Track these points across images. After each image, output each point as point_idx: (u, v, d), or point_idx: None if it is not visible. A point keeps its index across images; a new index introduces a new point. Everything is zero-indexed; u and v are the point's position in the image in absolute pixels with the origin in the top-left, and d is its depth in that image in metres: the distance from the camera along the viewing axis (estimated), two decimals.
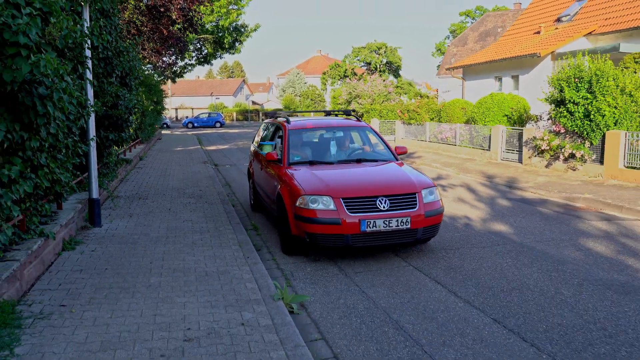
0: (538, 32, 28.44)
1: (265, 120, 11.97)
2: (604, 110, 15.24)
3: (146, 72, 23.85)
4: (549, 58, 24.48)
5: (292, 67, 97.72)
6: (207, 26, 36.86)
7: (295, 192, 7.49)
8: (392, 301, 6.08)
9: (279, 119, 10.60)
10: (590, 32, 24.10)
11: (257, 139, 11.81)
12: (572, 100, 15.98)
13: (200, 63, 40.95)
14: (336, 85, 49.57)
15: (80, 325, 4.94)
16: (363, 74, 47.20)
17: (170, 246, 7.83)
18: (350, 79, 44.67)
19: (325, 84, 55.09)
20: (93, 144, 8.61)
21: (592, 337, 5.01)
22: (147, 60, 23.45)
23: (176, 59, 32.53)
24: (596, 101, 15.39)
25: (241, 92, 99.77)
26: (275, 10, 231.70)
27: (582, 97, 15.78)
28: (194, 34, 25.96)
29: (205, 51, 40.50)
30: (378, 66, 48.39)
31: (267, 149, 9.64)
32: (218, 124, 61.03)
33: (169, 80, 40.27)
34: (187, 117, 74.78)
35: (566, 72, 16.61)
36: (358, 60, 49.34)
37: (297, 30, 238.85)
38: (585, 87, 15.82)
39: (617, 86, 15.54)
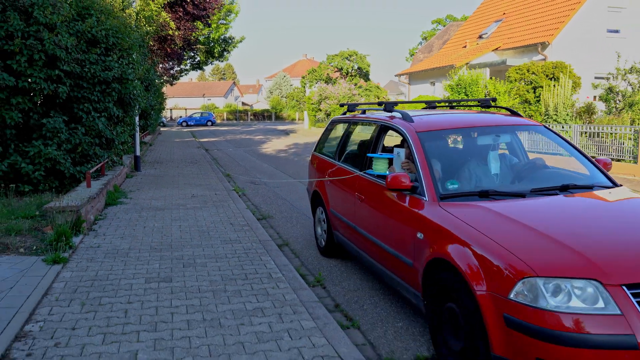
0: (465, 47, 35.56)
1: (341, 117, 7.94)
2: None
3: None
4: (465, 68, 31.55)
5: (280, 70, 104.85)
6: (200, 38, 43.80)
7: (503, 269, 3.65)
8: None
9: (367, 113, 7.13)
10: (497, 48, 31.17)
11: (331, 145, 7.92)
12: None
13: (193, 69, 47.83)
14: (314, 88, 56.50)
15: (148, 192, 11.98)
16: (337, 78, 54.28)
17: (181, 178, 14.84)
18: (325, 82, 51.83)
19: (304, 87, 62.49)
20: (137, 124, 15.59)
21: None
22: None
23: (173, 65, 39.44)
24: None
25: (231, 93, 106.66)
26: (266, 17, 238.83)
27: (462, 98, 22.89)
28: (190, 52, 32.99)
29: (198, 59, 47.30)
30: (349, 71, 55.40)
31: (382, 166, 5.75)
32: (210, 123, 67.78)
33: (167, 84, 47.21)
34: (181, 116, 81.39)
35: (453, 80, 23.74)
36: (332, 66, 56.32)
37: (286, 36, 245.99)
38: (463, 91, 22.93)
39: (485, 91, 22.69)
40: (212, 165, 18.25)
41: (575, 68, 24.43)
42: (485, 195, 4.67)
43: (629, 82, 22.20)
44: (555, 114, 19.80)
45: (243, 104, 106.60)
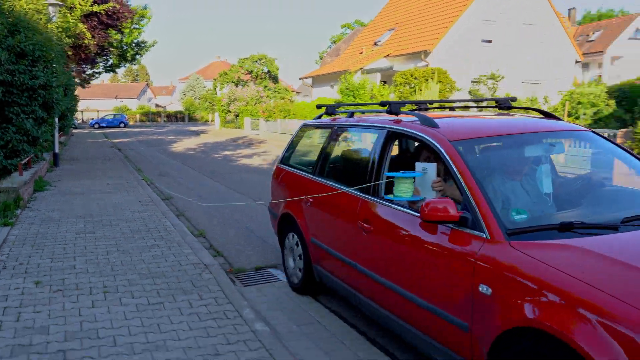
0: (361, 53, 38.91)
1: (317, 122, 6.75)
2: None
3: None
4: (360, 72, 34.81)
5: (194, 71, 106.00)
6: (113, 43, 45.23)
7: None
8: None
9: (356, 116, 5.90)
10: (388, 55, 34.57)
11: (305, 156, 7.02)
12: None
13: (106, 71, 49.04)
14: (224, 90, 58.71)
15: (69, 182, 14.22)
16: (248, 80, 56.73)
17: (97, 172, 17.04)
18: (236, 85, 54.20)
19: (215, 89, 64.71)
20: (57, 126, 17.65)
21: None
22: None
23: (85, 68, 40.82)
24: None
25: (145, 95, 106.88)
26: (182, 21, 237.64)
27: (350, 101, 25.96)
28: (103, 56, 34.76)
29: (111, 62, 48.52)
30: (259, 74, 57.96)
31: (406, 188, 4.28)
32: (122, 124, 68.48)
33: (78, 86, 48.23)
34: (92, 118, 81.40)
35: (343, 84, 26.81)
36: (243, 69, 58.71)
37: (201, 39, 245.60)
38: (352, 94, 26.01)
39: (371, 95, 25.82)
40: (124, 162, 20.44)
41: (453, 74, 28.02)
42: (567, 228, 3.39)
43: (487, 87, 25.93)
44: None
45: (157, 105, 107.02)
